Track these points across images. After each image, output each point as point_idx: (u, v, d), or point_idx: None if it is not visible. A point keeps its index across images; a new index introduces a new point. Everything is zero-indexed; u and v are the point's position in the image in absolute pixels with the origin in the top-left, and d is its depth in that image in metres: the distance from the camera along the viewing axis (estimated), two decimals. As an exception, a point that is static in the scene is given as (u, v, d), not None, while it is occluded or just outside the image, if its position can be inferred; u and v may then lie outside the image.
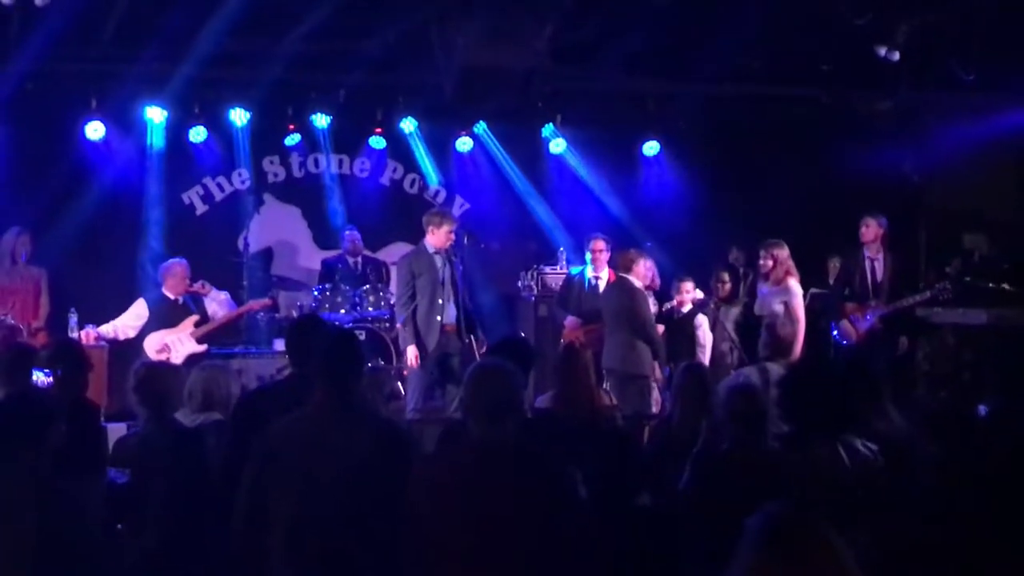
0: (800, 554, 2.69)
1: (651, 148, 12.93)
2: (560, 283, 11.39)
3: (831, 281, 10.98)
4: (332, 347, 4.55)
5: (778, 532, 2.75)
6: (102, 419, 6.58)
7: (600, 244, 10.56)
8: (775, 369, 7.39)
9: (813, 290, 10.62)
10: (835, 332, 10.20)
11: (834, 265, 11.14)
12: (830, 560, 2.69)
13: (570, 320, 10.50)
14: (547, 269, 12.02)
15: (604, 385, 8.87)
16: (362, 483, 4.27)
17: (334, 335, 4.97)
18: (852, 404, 4.42)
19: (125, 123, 11.38)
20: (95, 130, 11.07)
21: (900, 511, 4.12)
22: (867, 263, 10.09)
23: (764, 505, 2.74)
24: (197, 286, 10.20)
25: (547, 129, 12.70)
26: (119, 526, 5.60)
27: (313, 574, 4.25)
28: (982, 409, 5.27)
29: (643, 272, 9.52)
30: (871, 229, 10.04)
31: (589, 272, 10.62)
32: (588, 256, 10.65)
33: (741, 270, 11.32)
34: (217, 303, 10.33)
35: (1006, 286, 10.48)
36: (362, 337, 10.11)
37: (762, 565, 2.70)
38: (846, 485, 3.97)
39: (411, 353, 9.15)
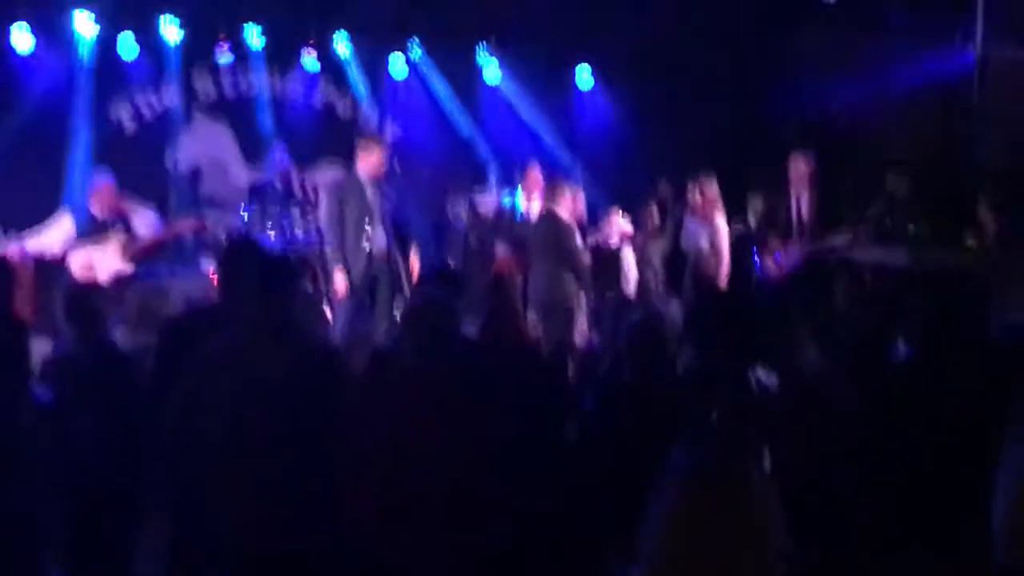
0: (723, 494, 2.64)
1: (585, 80, 12.96)
2: (491, 212, 11.41)
3: (754, 217, 11.08)
4: (267, 271, 4.57)
5: (703, 471, 2.70)
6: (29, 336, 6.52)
7: (533, 173, 10.58)
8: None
9: (737, 227, 10.74)
10: (758, 268, 10.34)
11: (756, 202, 11.21)
12: (750, 499, 2.64)
13: (501, 249, 10.55)
14: (478, 198, 12.03)
15: (529, 315, 8.94)
16: (293, 405, 4.33)
17: (269, 259, 4.99)
18: (761, 336, 4.48)
19: (55, 34, 11.12)
20: (23, 41, 10.84)
21: (808, 444, 4.21)
22: (793, 200, 10.21)
23: (680, 442, 2.71)
24: (123, 205, 10.09)
25: (481, 56, 12.67)
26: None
27: (244, 495, 4.32)
28: (900, 347, 5.39)
29: (570, 203, 9.50)
30: (800, 166, 10.11)
31: (521, 201, 10.65)
32: (520, 185, 10.68)
33: (669, 203, 11.38)
34: (143, 222, 10.24)
35: (925, 227, 10.66)
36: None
37: (685, 503, 2.67)
38: (747, 416, 4.04)
39: (339, 278, 9.13)
